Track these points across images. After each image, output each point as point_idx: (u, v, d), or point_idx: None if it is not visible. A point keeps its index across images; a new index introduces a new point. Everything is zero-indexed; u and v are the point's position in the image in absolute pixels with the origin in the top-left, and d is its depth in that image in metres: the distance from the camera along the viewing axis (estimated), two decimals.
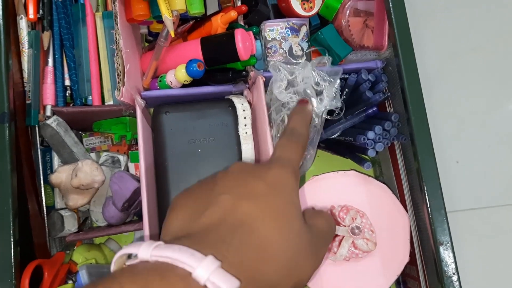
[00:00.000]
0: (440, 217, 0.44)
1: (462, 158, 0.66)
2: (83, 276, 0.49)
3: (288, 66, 0.49)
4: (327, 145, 0.56)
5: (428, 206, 0.45)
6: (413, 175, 0.48)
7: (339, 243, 0.50)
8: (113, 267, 0.27)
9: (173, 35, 0.50)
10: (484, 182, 0.65)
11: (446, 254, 0.44)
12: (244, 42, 0.48)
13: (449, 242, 0.44)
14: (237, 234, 0.27)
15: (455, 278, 0.43)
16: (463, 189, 0.65)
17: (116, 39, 0.50)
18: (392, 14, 0.48)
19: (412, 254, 0.51)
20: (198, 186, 0.33)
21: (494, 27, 0.69)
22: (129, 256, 0.26)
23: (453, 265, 0.44)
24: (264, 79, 0.51)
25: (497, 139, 0.66)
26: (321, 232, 0.34)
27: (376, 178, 0.60)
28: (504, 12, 0.69)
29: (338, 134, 0.52)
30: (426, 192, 0.45)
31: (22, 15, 0.52)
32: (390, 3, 0.48)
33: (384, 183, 0.53)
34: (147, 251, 0.24)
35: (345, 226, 0.50)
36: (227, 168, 0.33)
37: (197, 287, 0.23)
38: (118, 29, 0.50)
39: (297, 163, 0.35)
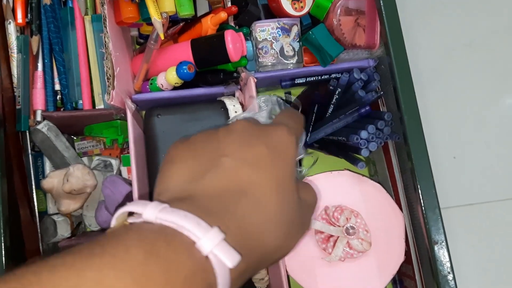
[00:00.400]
0: (434, 216, 0.44)
1: (458, 153, 0.65)
2: None
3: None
4: (321, 145, 0.56)
5: (422, 205, 0.44)
6: (407, 174, 0.48)
7: (334, 244, 0.50)
8: (113, 223, 0.26)
9: (162, 38, 0.49)
10: (481, 177, 0.65)
11: (441, 253, 0.43)
12: (234, 43, 0.48)
13: (444, 241, 0.43)
14: (240, 204, 0.27)
15: (450, 277, 0.43)
16: (460, 184, 0.64)
17: (106, 42, 0.50)
18: (383, 12, 0.48)
19: (407, 253, 0.50)
20: (199, 139, 0.32)
21: (487, 23, 0.69)
22: (130, 214, 0.25)
23: (448, 264, 0.43)
24: (256, 80, 0.50)
25: (493, 134, 0.66)
26: (309, 206, 0.34)
27: (371, 177, 0.60)
28: (497, 7, 0.69)
29: (328, 133, 0.52)
30: (420, 191, 0.45)
31: (10, 20, 0.52)
32: (381, 2, 0.48)
33: (378, 182, 0.53)
34: (153, 213, 0.23)
35: (339, 226, 0.50)
36: (229, 125, 0.32)
37: (200, 257, 0.22)
38: (107, 32, 0.50)
39: (299, 132, 0.35)
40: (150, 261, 0.21)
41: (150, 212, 0.23)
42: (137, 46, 0.61)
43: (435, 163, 0.64)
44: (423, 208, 0.44)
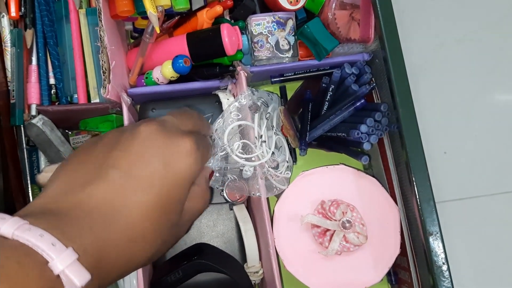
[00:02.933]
0: (429, 208, 0.44)
1: (449, 148, 0.66)
2: None
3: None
4: (320, 142, 0.56)
5: (417, 197, 0.45)
6: (402, 167, 0.49)
7: (330, 238, 0.50)
8: None
9: (158, 31, 0.49)
10: (472, 172, 0.65)
11: (435, 244, 0.44)
12: (230, 37, 0.48)
13: (438, 232, 0.44)
14: (109, 226, 0.27)
15: (445, 267, 0.43)
16: (451, 179, 0.65)
17: (101, 36, 0.50)
18: (378, 6, 0.48)
19: (402, 245, 0.51)
20: (102, 141, 0.31)
21: (479, 18, 0.69)
22: None
23: (442, 255, 0.44)
24: (247, 74, 0.50)
25: (484, 129, 0.66)
26: (193, 213, 0.34)
27: (366, 170, 0.60)
28: (489, 2, 0.69)
29: (326, 130, 0.52)
30: (415, 183, 0.45)
31: (3, 13, 0.51)
32: None
33: (373, 176, 0.53)
34: (10, 229, 0.24)
35: (336, 220, 0.50)
36: (136, 128, 0.31)
37: (51, 276, 0.23)
38: (102, 25, 0.50)
39: (205, 131, 0.36)
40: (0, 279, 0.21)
41: (7, 228, 0.24)
42: (131, 40, 0.60)
43: (426, 158, 0.65)
44: (418, 200, 0.45)
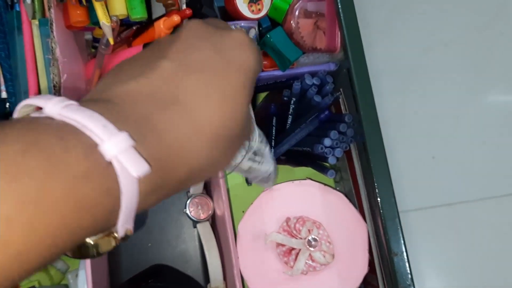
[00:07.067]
0: (393, 226, 0.42)
1: (438, 153, 0.64)
2: None
3: None
4: (288, 157, 0.54)
5: (382, 214, 0.43)
6: (369, 181, 0.47)
7: (296, 257, 0.48)
8: (15, 115, 0.22)
9: (112, 42, 0.47)
10: (461, 176, 0.64)
11: (401, 265, 0.42)
12: None
13: (404, 252, 0.42)
14: (167, 113, 0.23)
15: None
16: (440, 184, 0.64)
17: (52, 48, 0.47)
18: (341, 15, 0.46)
19: (371, 262, 0.49)
20: (151, 45, 0.28)
21: (466, 21, 0.68)
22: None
23: (408, 276, 0.42)
24: None
25: (473, 133, 0.65)
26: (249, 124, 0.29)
27: (336, 183, 0.58)
28: (476, 5, 0.68)
29: (293, 145, 0.49)
30: (379, 199, 0.43)
31: None
32: (339, 4, 0.46)
33: (344, 189, 0.51)
34: (56, 108, 0.20)
35: (301, 238, 0.48)
36: (182, 25, 0.29)
37: (100, 161, 0.19)
38: (54, 37, 0.47)
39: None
40: (29, 153, 0.18)
41: (53, 107, 0.20)
42: (93, 50, 0.58)
43: (415, 163, 0.64)
44: (382, 217, 0.43)
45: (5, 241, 0.16)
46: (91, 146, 0.19)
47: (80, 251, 0.21)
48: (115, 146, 0.20)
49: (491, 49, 0.67)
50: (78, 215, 0.19)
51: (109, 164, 0.20)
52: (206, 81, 0.24)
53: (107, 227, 0.21)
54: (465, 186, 0.64)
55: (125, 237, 0.22)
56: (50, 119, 0.20)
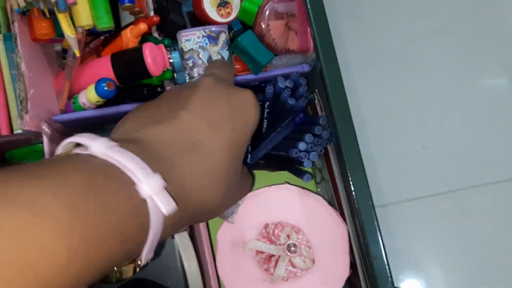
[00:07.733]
0: (371, 230, 0.41)
1: (428, 142, 0.64)
2: None
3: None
4: (266, 162, 0.53)
5: (360, 218, 0.42)
6: (347, 182, 0.46)
7: (276, 263, 0.47)
8: (59, 151, 0.25)
9: (78, 54, 0.46)
10: (454, 165, 0.63)
11: (381, 269, 0.41)
12: (153, 57, 0.45)
13: (383, 255, 0.41)
14: (187, 158, 0.27)
15: None
16: (431, 174, 0.63)
17: (17, 62, 0.46)
18: (311, 15, 0.45)
19: (354, 264, 0.48)
20: (166, 93, 0.33)
21: (452, 6, 0.66)
22: (78, 146, 0.25)
23: (389, 280, 0.41)
24: None
25: (464, 120, 0.64)
26: (245, 187, 0.37)
27: (318, 185, 0.57)
28: None
29: (270, 149, 0.49)
30: (356, 203, 0.42)
31: None
32: (309, 5, 0.45)
33: (321, 193, 0.50)
34: (101, 148, 0.23)
35: (280, 244, 0.47)
36: (196, 81, 0.33)
37: (137, 199, 0.22)
38: (19, 51, 0.46)
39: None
40: (89, 192, 0.20)
41: (98, 146, 0.23)
42: (64, 61, 0.57)
43: (405, 154, 0.63)
44: (360, 221, 0.42)
45: (67, 268, 0.19)
46: (131, 186, 0.22)
47: (103, 277, 0.24)
48: (150, 186, 0.23)
49: (479, 34, 0.66)
50: (121, 247, 0.21)
51: (144, 201, 0.23)
52: (217, 133, 0.29)
53: (134, 257, 0.24)
54: (458, 174, 0.63)
55: (146, 265, 0.25)
56: (94, 157, 0.23)
